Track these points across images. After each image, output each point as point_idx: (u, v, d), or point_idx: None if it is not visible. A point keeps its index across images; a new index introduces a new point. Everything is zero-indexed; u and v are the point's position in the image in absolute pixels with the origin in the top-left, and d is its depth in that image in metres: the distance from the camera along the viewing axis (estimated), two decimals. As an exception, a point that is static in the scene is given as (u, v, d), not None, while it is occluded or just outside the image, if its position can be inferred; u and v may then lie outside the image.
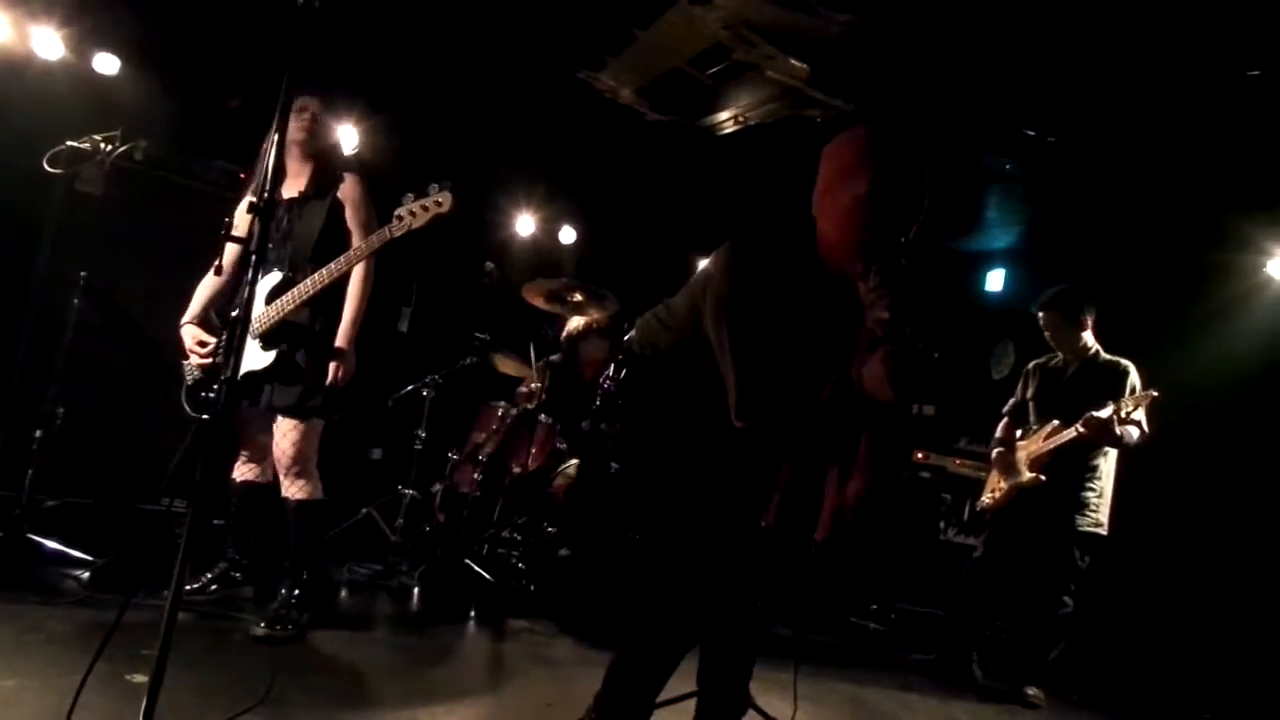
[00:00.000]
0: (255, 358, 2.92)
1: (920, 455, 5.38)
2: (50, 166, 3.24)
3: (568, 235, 6.38)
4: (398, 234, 2.77)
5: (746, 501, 2.06)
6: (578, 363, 4.54)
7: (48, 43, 4.19)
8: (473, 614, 3.69)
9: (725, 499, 2.03)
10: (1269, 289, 4.57)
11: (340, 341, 3.00)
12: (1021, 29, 3.57)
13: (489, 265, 4.80)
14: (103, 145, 3.29)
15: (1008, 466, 3.95)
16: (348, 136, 4.73)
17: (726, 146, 5.05)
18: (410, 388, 4.79)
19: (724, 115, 4.74)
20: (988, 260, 6.20)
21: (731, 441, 1.97)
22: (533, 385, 4.56)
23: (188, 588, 3.07)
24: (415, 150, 5.12)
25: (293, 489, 3.03)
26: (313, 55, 1.89)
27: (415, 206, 2.75)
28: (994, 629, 4.12)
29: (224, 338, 2.95)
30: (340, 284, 2.98)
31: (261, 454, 3.23)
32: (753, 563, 2.10)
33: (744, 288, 1.93)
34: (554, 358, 4.64)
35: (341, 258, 2.86)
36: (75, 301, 3.59)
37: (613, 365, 2.25)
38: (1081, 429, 3.59)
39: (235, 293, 2.99)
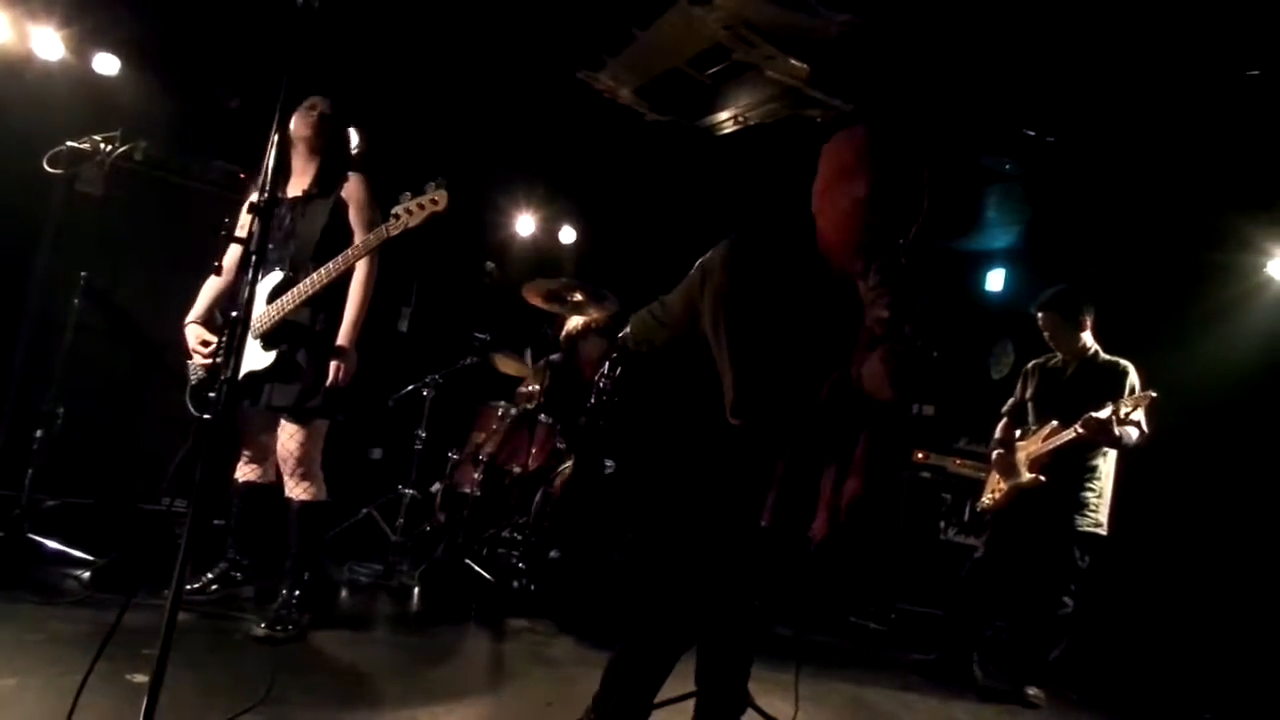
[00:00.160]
0: (256, 357, 2.93)
1: (920, 455, 5.38)
2: (50, 167, 3.23)
3: (568, 235, 6.38)
4: (394, 233, 2.77)
5: (742, 500, 2.06)
6: (577, 362, 4.55)
7: (48, 43, 4.19)
8: (473, 614, 3.69)
9: (721, 497, 2.03)
10: (1269, 289, 4.57)
11: (341, 341, 2.99)
12: (1021, 29, 3.57)
13: (489, 265, 4.81)
14: (103, 145, 3.29)
15: (1007, 467, 3.95)
16: (350, 137, 4.73)
17: (726, 146, 5.05)
18: (410, 387, 4.79)
19: (724, 115, 4.74)
20: (987, 260, 6.20)
21: (727, 439, 1.96)
22: (532, 385, 4.56)
23: (188, 588, 3.07)
24: (415, 150, 5.11)
25: (297, 490, 3.02)
26: (312, 55, 1.89)
27: (411, 205, 2.75)
28: (994, 629, 4.12)
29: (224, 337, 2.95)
30: (342, 283, 2.98)
31: (263, 454, 3.23)
32: (749, 561, 2.10)
33: (743, 284, 1.92)
34: (553, 357, 4.64)
35: (339, 257, 2.85)
36: (75, 302, 3.59)
37: (608, 363, 2.24)
38: (1080, 429, 3.59)
39: (238, 293, 2.99)
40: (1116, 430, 3.55)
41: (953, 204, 5.33)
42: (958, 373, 5.86)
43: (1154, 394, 3.57)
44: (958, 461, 5.33)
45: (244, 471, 3.26)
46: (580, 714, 2.10)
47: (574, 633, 3.59)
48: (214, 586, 3.22)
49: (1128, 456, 3.81)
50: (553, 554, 3.94)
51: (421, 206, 2.74)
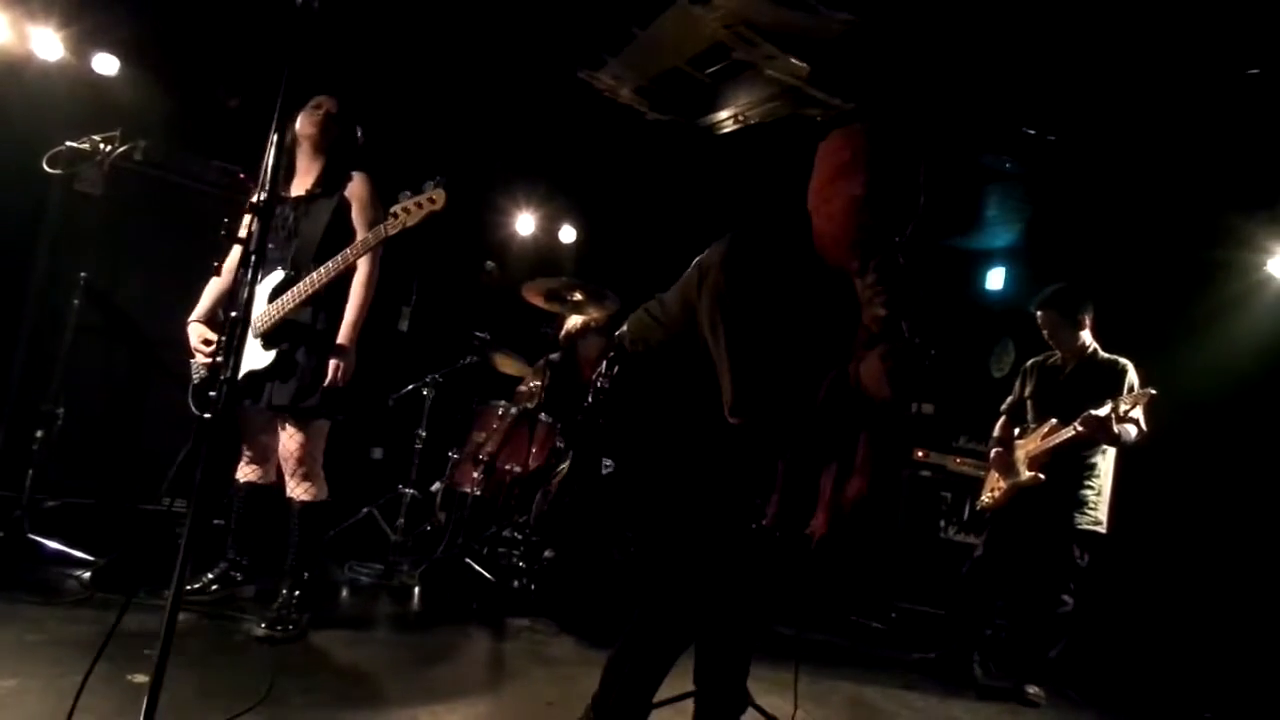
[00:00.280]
0: (257, 357, 2.93)
1: (920, 454, 5.38)
2: (50, 167, 3.23)
3: (568, 234, 6.38)
4: (393, 232, 2.77)
5: (741, 498, 2.06)
6: (577, 361, 4.55)
7: (47, 43, 4.19)
8: (473, 613, 3.70)
9: (719, 496, 2.03)
10: (1269, 287, 4.56)
11: (341, 340, 2.99)
12: (1021, 27, 3.57)
13: (490, 264, 4.81)
14: (102, 145, 3.29)
15: (1006, 465, 3.95)
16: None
17: (726, 145, 5.05)
18: (411, 387, 4.79)
19: (724, 114, 4.74)
20: (988, 259, 6.21)
21: (725, 438, 1.97)
22: (532, 384, 4.56)
23: (189, 588, 3.06)
24: (415, 149, 5.11)
25: (298, 490, 3.03)
26: (312, 55, 1.89)
27: (410, 204, 2.75)
28: (994, 627, 4.13)
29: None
30: (344, 283, 2.98)
31: (264, 455, 3.23)
32: (747, 560, 2.10)
33: (741, 282, 1.92)
34: (553, 356, 4.64)
35: (339, 255, 2.85)
36: (75, 302, 3.60)
37: (605, 362, 2.24)
38: (1080, 427, 3.59)
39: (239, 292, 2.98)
40: (1115, 428, 3.55)
41: (953, 202, 5.33)
42: (958, 371, 5.87)
43: (1153, 392, 3.57)
44: (958, 460, 5.33)
45: (245, 472, 3.26)
46: (580, 713, 2.10)
47: (574, 632, 3.59)
48: (214, 586, 3.21)
49: (1127, 454, 3.81)
50: (547, 553, 3.93)
51: (420, 205, 2.74)
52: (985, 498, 4.05)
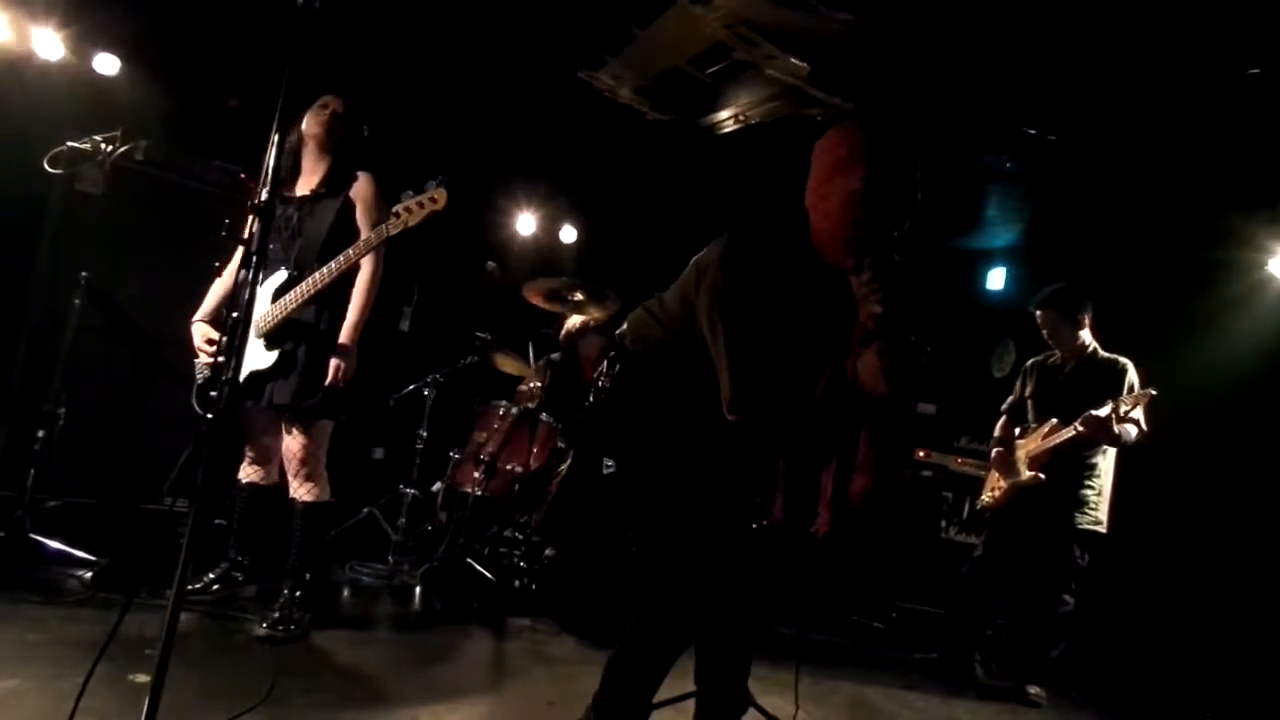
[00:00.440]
0: (260, 357, 2.93)
1: (921, 454, 5.38)
2: (50, 167, 3.23)
3: (568, 234, 6.38)
4: (394, 232, 2.77)
5: (741, 497, 2.06)
6: (578, 361, 4.55)
7: (47, 43, 4.19)
8: (474, 613, 3.70)
9: (719, 495, 2.03)
10: (1269, 287, 4.56)
11: (342, 339, 2.98)
12: (1022, 27, 3.57)
13: (490, 264, 4.81)
14: (103, 145, 3.29)
15: (1007, 465, 3.95)
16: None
17: (727, 145, 5.05)
18: (412, 387, 4.79)
19: (724, 114, 4.74)
20: (988, 258, 6.21)
21: (724, 436, 1.97)
22: (533, 384, 4.56)
23: (190, 588, 3.07)
24: (416, 149, 5.11)
25: (301, 490, 3.03)
26: (313, 55, 1.89)
27: (411, 204, 2.75)
28: (995, 627, 4.13)
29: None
30: (348, 282, 2.97)
31: (266, 455, 3.24)
32: (747, 559, 2.10)
33: (739, 281, 1.93)
34: (554, 356, 4.64)
35: (341, 255, 2.85)
36: (76, 301, 3.60)
37: (605, 361, 2.24)
38: (1080, 427, 3.59)
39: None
40: (1116, 428, 3.55)
41: (953, 202, 5.33)
42: (959, 372, 5.87)
43: (1153, 392, 3.57)
44: (959, 460, 5.34)
45: (247, 473, 3.26)
46: (581, 713, 2.11)
47: (575, 632, 3.59)
48: (216, 586, 3.22)
49: (1127, 454, 3.81)
50: (548, 552, 3.94)
51: (421, 205, 2.74)
52: (985, 497, 4.05)
